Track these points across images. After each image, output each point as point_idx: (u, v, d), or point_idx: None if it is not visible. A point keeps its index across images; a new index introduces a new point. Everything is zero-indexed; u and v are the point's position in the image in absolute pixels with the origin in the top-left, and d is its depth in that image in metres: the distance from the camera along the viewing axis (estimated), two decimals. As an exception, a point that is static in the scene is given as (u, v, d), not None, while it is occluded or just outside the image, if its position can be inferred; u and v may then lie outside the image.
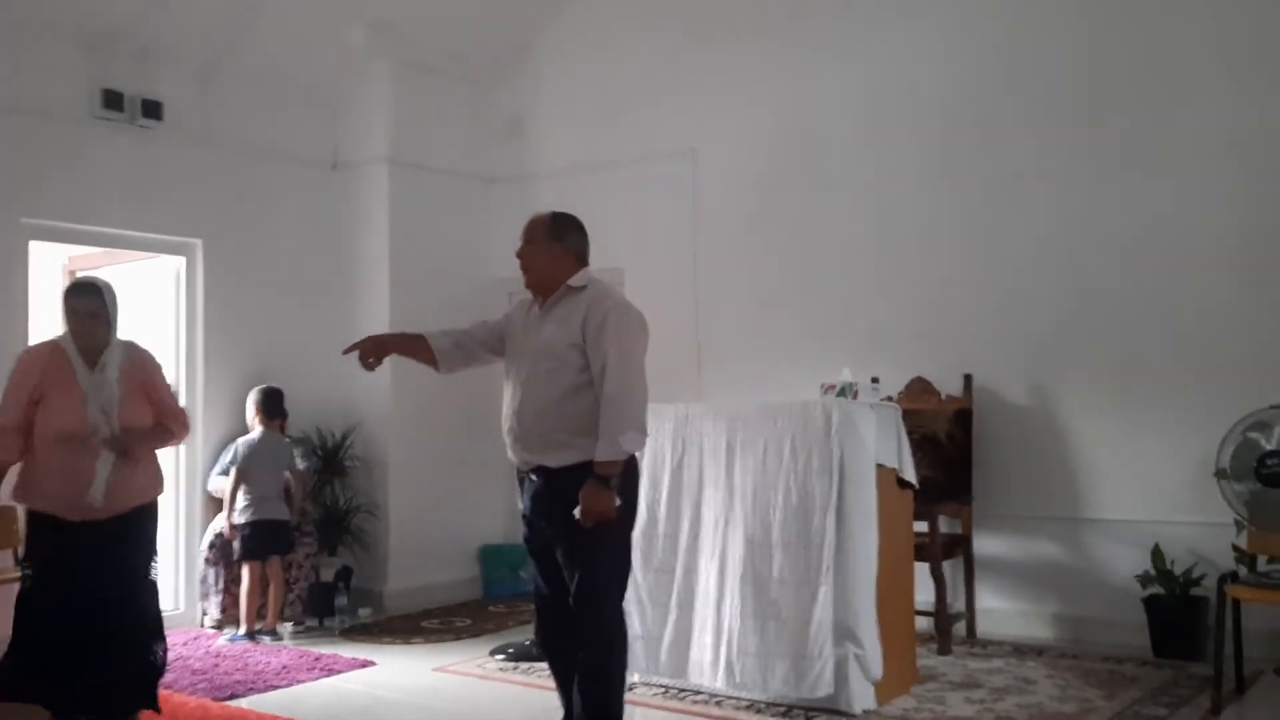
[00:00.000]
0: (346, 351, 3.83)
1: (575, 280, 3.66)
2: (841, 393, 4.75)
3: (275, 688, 4.99)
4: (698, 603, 4.59)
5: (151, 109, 6.16)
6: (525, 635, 5.72)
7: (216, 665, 5.39)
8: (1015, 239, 5.84)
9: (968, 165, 5.99)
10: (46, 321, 7.23)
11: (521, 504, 3.73)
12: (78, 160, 5.94)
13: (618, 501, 3.42)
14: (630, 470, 3.57)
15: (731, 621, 4.46)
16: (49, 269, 7.11)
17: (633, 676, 4.82)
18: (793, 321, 6.48)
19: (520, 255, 3.73)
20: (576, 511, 3.40)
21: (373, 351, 3.79)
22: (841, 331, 6.25)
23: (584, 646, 3.56)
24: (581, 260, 3.73)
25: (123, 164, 6.13)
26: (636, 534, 4.72)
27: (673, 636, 4.64)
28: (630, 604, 4.75)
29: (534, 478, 3.62)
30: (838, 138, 6.40)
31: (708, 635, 4.52)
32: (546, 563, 3.65)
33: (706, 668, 4.51)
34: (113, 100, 6.01)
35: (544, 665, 5.24)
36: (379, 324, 6.45)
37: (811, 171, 6.49)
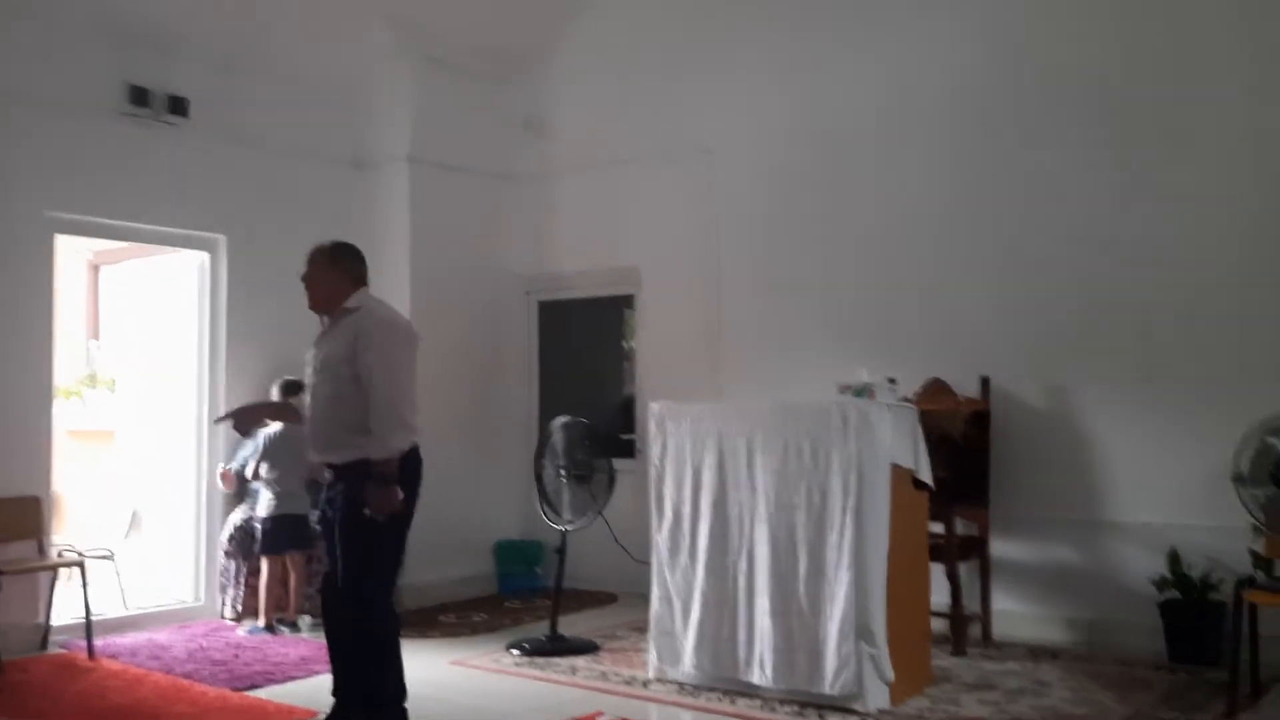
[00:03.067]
0: (218, 421, 4.55)
1: (350, 302, 4.13)
2: (858, 393, 4.76)
3: (294, 679, 5.04)
4: (725, 599, 4.62)
5: (177, 105, 6.23)
6: (541, 630, 5.76)
7: (236, 656, 5.44)
8: (1034, 239, 5.84)
9: (986, 164, 6.00)
10: (71, 313, 7.32)
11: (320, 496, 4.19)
12: (104, 155, 6.00)
13: (401, 495, 3.89)
14: (408, 466, 3.97)
15: (760, 618, 4.49)
16: (73, 262, 7.19)
17: (651, 671, 4.87)
18: (810, 321, 6.50)
19: (303, 279, 4.20)
20: (366, 509, 3.85)
21: (247, 420, 4.44)
22: (859, 332, 6.26)
23: (353, 626, 4.01)
24: (358, 282, 4.19)
25: (148, 159, 6.19)
26: (663, 533, 4.80)
27: (697, 632, 4.67)
28: (655, 600, 4.82)
29: (327, 473, 4.09)
30: (856, 136, 6.41)
31: (740, 631, 4.56)
32: (332, 545, 4.09)
33: (739, 663, 4.55)
34: (139, 96, 6.07)
35: (560, 660, 5.33)
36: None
37: (830, 170, 6.50)
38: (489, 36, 7.31)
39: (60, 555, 5.76)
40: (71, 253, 7.05)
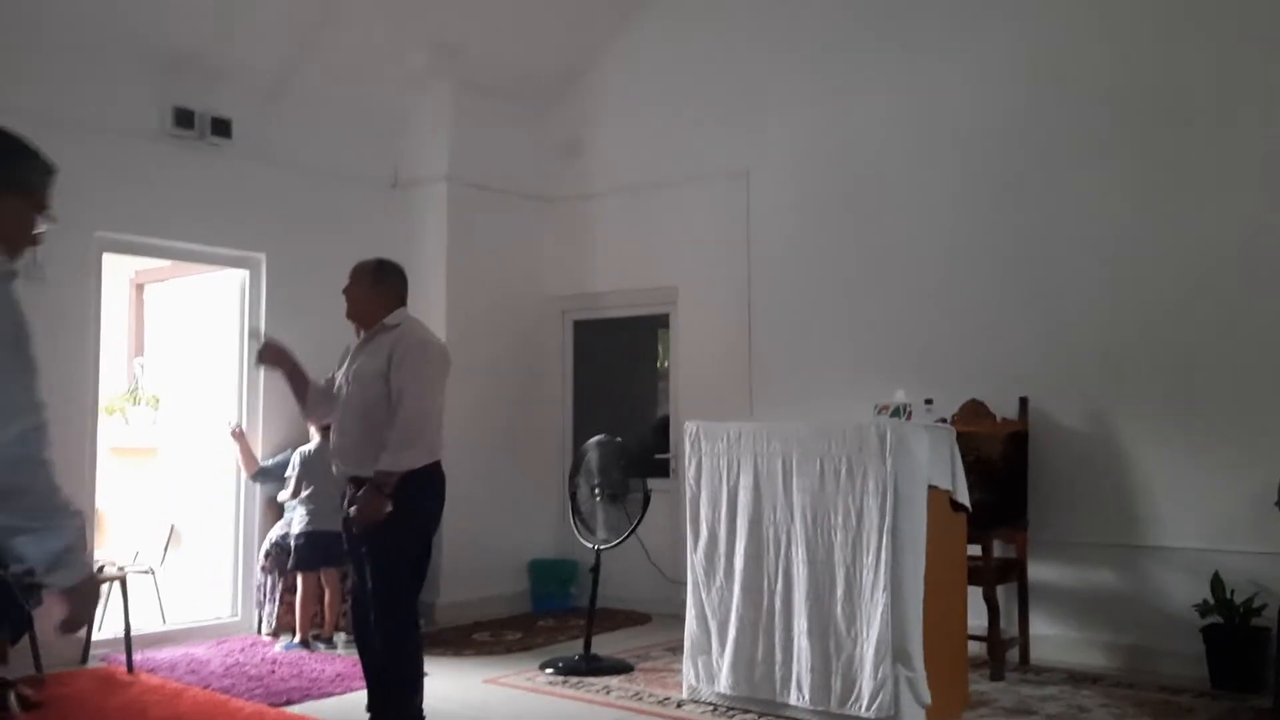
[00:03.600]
0: (252, 337, 4.39)
1: (390, 319, 4.22)
2: (895, 413, 4.75)
3: (330, 695, 5.07)
4: (761, 620, 4.61)
5: (221, 127, 6.33)
6: (574, 650, 5.76)
7: (272, 672, 5.49)
8: (1072, 261, 5.81)
9: (1024, 187, 5.98)
10: (115, 331, 7.42)
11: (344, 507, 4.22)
12: (149, 176, 6.11)
13: (389, 507, 3.94)
14: (424, 482, 4.04)
15: (796, 639, 4.48)
16: (117, 280, 7.30)
17: (685, 692, 4.86)
18: (846, 342, 6.49)
19: (345, 292, 4.29)
20: (351, 511, 3.98)
21: (273, 356, 4.36)
22: (895, 353, 6.25)
23: (379, 636, 4.07)
24: (399, 301, 4.28)
25: (192, 180, 6.30)
26: (698, 553, 4.80)
27: (734, 652, 4.66)
28: (692, 619, 4.82)
29: (351, 485, 4.15)
30: (892, 160, 6.42)
31: (777, 652, 4.55)
32: (359, 557, 4.16)
33: (776, 684, 4.54)
34: (184, 118, 6.19)
35: (594, 680, 5.33)
36: (436, 339, 6.57)
37: (866, 193, 6.50)
38: (526, 60, 7.38)
39: (101, 570, 5.83)
40: (116, 272, 7.15)
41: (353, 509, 4.04)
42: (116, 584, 5.66)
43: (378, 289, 4.26)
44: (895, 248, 6.37)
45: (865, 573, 4.33)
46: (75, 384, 5.82)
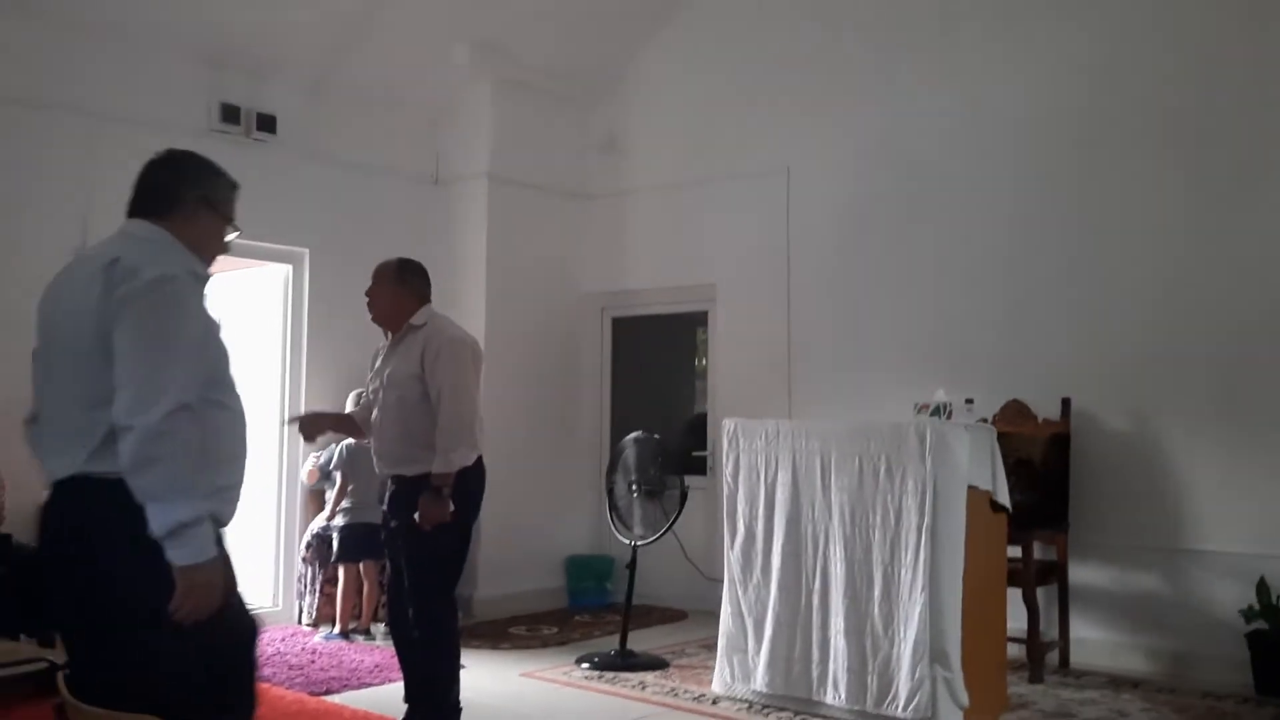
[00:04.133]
0: (289, 423, 4.46)
1: (416, 319, 4.23)
2: (935, 413, 4.72)
3: (368, 685, 5.12)
4: (798, 618, 4.60)
5: (266, 123, 6.41)
6: (610, 645, 5.78)
7: (312, 661, 5.55)
8: (1119, 261, 5.74)
9: (1067, 185, 5.92)
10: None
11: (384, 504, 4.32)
12: (196, 171, 6.18)
13: (451, 508, 4.02)
14: (470, 477, 4.11)
15: (833, 638, 4.48)
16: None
17: (720, 688, 4.86)
18: (886, 340, 6.45)
19: (368, 294, 4.30)
20: (416, 515, 4.00)
21: (312, 427, 4.33)
22: (936, 352, 6.20)
23: (417, 629, 4.13)
24: (423, 299, 4.29)
25: (237, 175, 6.29)
26: (735, 550, 4.80)
27: (770, 650, 4.65)
28: (728, 617, 4.82)
29: (392, 484, 4.23)
30: (934, 156, 6.37)
31: (813, 650, 4.54)
32: (396, 552, 4.22)
33: (812, 683, 4.54)
34: (230, 114, 6.27)
35: (629, 675, 5.34)
36: (476, 334, 6.59)
37: (907, 190, 6.46)
38: (567, 57, 7.41)
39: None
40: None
41: (416, 514, 4.04)
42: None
43: (401, 289, 4.26)
44: (937, 245, 6.33)
45: (904, 572, 4.31)
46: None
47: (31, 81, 5.59)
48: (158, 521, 2.17)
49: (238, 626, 2.42)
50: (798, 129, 6.90)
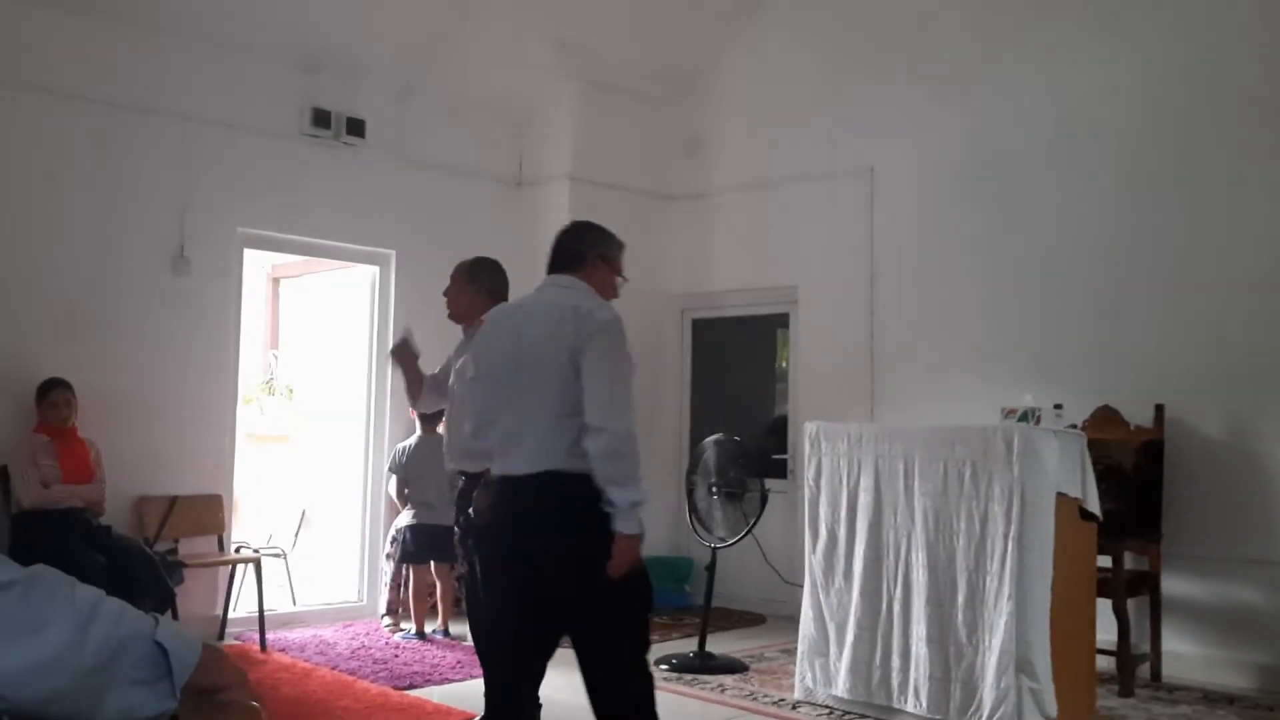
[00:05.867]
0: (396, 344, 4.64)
1: (488, 316, 4.13)
2: (1023, 418, 4.63)
3: (450, 681, 5.19)
4: (880, 624, 4.55)
5: (355, 127, 6.54)
6: (689, 647, 5.77)
7: (396, 656, 5.64)
8: (1212, 262, 5.57)
9: (1160, 183, 5.76)
10: (254, 324, 7.74)
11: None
12: (288, 175, 6.36)
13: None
14: None
15: (915, 645, 4.42)
16: (256, 275, 7.61)
17: (799, 693, 4.83)
18: (972, 343, 6.35)
19: (445, 293, 4.42)
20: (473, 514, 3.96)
21: (404, 355, 4.53)
22: (1023, 356, 6.08)
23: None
24: (496, 297, 4.30)
25: (328, 178, 6.52)
26: (817, 554, 4.77)
27: (852, 655, 4.61)
28: (808, 621, 4.78)
29: (461, 479, 4.28)
30: (1022, 156, 6.25)
31: (894, 657, 4.49)
32: (469, 550, 4.15)
33: (893, 690, 4.48)
34: (321, 119, 6.41)
35: (708, 678, 5.33)
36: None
37: (994, 190, 6.35)
38: (650, 58, 7.43)
39: (238, 552, 6.10)
40: (255, 267, 7.46)
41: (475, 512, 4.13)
42: (250, 565, 5.90)
43: (474, 287, 4.33)
44: (1025, 247, 6.20)
45: (989, 580, 4.23)
46: (217, 373, 6.09)
47: (131, 86, 5.79)
48: (620, 499, 2.93)
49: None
50: (882, 128, 6.83)
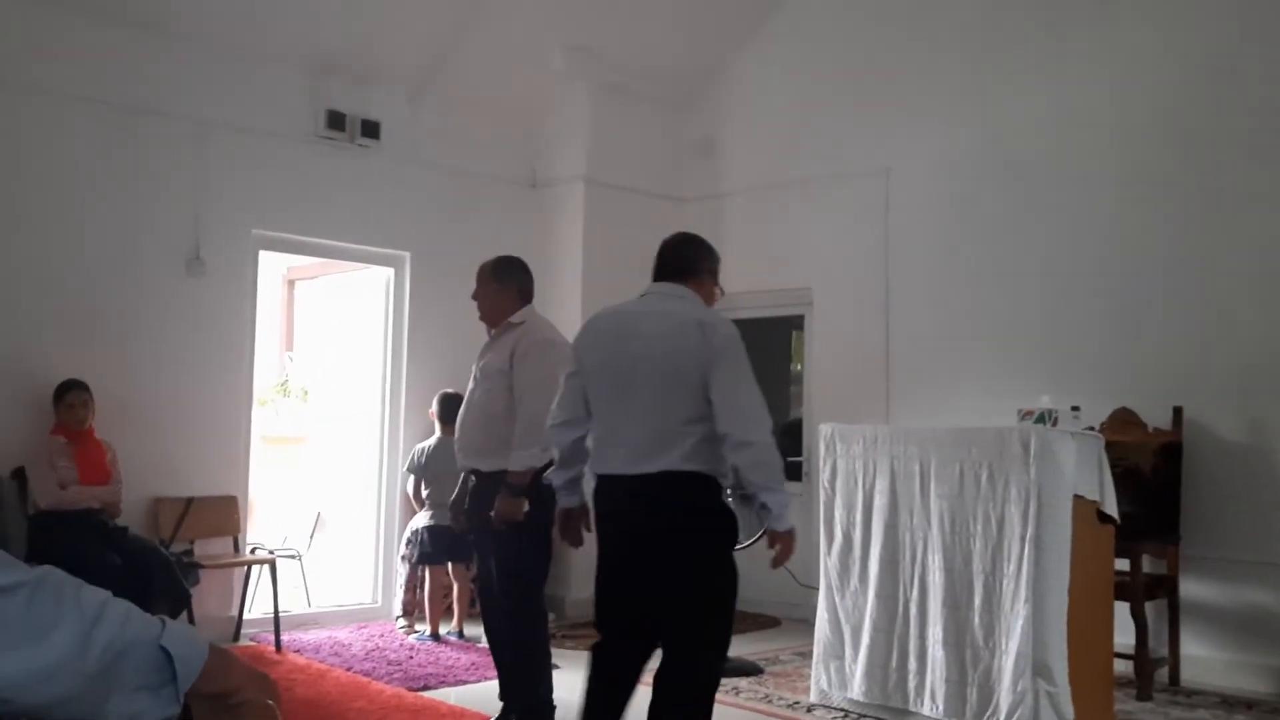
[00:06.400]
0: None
1: (515, 317, 4.30)
2: (1040, 420, 4.59)
3: (465, 682, 5.20)
4: (896, 627, 4.53)
5: (370, 129, 6.56)
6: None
7: (410, 658, 5.65)
8: (1233, 263, 5.53)
9: (1177, 185, 5.72)
10: (268, 326, 7.76)
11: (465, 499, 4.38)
12: (303, 177, 6.37)
13: (526, 507, 4.04)
14: (543, 480, 4.07)
15: (931, 648, 4.39)
16: (271, 277, 7.63)
17: (815, 696, 4.81)
18: (988, 345, 6.31)
19: (474, 296, 4.38)
20: (492, 512, 4.07)
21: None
22: (1040, 357, 6.05)
23: (508, 623, 4.21)
24: (524, 297, 4.35)
25: (343, 181, 6.54)
26: (832, 557, 4.75)
27: (867, 658, 4.59)
28: (824, 624, 4.76)
29: (473, 478, 4.28)
30: (1038, 157, 6.22)
31: (911, 660, 4.47)
32: (484, 548, 4.28)
33: (909, 693, 4.46)
34: (336, 121, 6.43)
35: (723, 680, 5.30)
36: (571, 337, 6.66)
37: (1010, 192, 6.32)
38: (662, 60, 7.42)
39: (253, 553, 6.11)
40: (270, 269, 7.48)
41: (492, 511, 4.11)
42: (265, 567, 5.92)
43: (500, 286, 4.33)
44: (1042, 247, 6.17)
45: (1005, 582, 4.20)
46: (232, 375, 6.11)
47: (146, 90, 5.81)
48: (774, 503, 3.21)
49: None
50: (897, 130, 6.80)
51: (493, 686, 4.59)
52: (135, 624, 1.15)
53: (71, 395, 5.29)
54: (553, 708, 4.23)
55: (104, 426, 5.44)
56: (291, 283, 8.98)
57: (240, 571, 6.03)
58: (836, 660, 4.72)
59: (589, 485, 3.50)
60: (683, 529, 3.23)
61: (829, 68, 7.15)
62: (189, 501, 5.84)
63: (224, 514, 6.01)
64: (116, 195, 5.74)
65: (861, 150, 6.93)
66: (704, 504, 3.23)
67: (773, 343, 7.75)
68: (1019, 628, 4.13)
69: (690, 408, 3.18)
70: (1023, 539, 4.17)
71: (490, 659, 4.55)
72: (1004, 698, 4.14)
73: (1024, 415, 4.64)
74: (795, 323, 7.47)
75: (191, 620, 5.33)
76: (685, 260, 3.50)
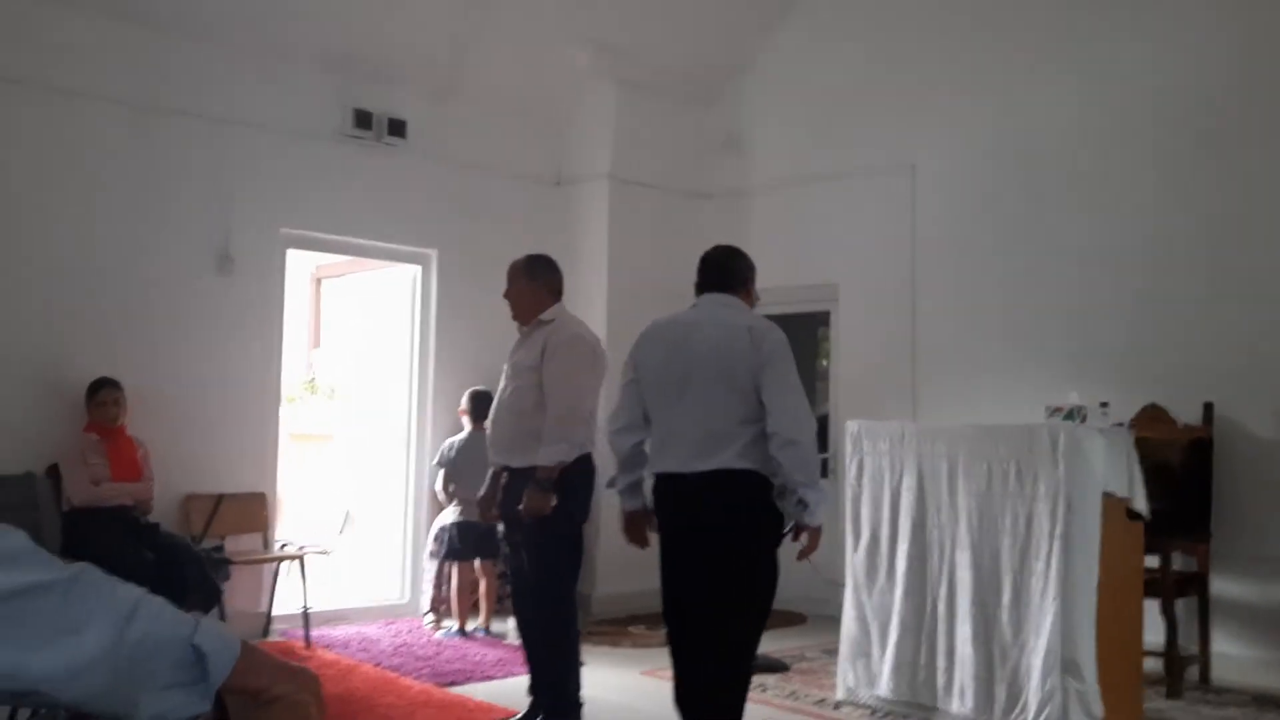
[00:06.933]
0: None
1: (546, 315, 4.33)
2: (1069, 416, 4.57)
3: (492, 678, 5.22)
4: (923, 624, 4.52)
5: (396, 128, 6.59)
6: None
7: (438, 654, 5.68)
8: (1259, 254, 5.47)
9: (1204, 178, 5.67)
10: (296, 324, 7.82)
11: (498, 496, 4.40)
12: (330, 176, 6.41)
13: (554, 501, 4.06)
14: (578, 473, 4.17)
15: (959, 645, 4.38)
16: (299, 275, 7.69)
17: (841, 693, 4.80)
18: (1016, 341, 6.28)
19: (505, 295, 4.40)
20: (520, 507, 4.09)
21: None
22: (1068, 353, 6.01)
23: (536, 625, 4.25)
24: (554, 294, 4.39)
25: (369, 179, 6.58)
26: (859, 554, 4.74)
27: (895, 655, 4.58)
28: (850, 621, 4.76)
29: (505, 475, 4.31)
30: (1064, 152, 6.18)
31: (939, 657, 4.46)
32: (515, 544, 4.31)
33: (937, 690, 4.45)
34: (363, 120, 6.47)
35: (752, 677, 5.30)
36: (597, 334, 6.66)
37: (1037, 186, 6.28)
38: (687, 57, 7.42)
39: (282, 549, 6.16)
40: (297, 267, 7.54)
41: (521, 507, 4.13)
42: (295, 563, 5.97)
43: (530, 284, 4.35)
44: (1070, 242, 6.13)
45: (1034, 580, 4.19)
46: (260, 373, 6.17)
47: (174, 91, 5.87)
48: (811, 498, 3.31)
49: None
50: (922, 124, 6.77)
51: (520, 682, 4.61)
52: (168, 621, 1.17)
53: (104, 393, 5.36)
54: (580, 705, 4.25)
55: (135, 424, 5.50)
56: (319, 280, 9.04)
57: (269, 568, 6.08)
58: (864, 657, 4.71)
59: (648, 486, 3.63)
60: (734, 525, 3.38)
61: (854, 62, 7.13)
62: (219, 498, 5.89)
63: (254, 510, 6.07)
64: (148, 196, 5.80)
65: (887, 145, 6.90)
66: (756, 500, 3.38)
67: (798, 339, 7.69)
68: (1048, 625, 4.11)
69: (742, 409, 3.35)
70: (1052, 536, 4.15)
71: (519, 654, 4.58)
72: (1032, 695, 4.12)
73: (1052, 412, 4.62)
74: (821, 319, 7.45)
75: (222, 616, 5.39)
76: (732, 272, 3.71)
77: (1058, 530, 4.13)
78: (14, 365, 5.33)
